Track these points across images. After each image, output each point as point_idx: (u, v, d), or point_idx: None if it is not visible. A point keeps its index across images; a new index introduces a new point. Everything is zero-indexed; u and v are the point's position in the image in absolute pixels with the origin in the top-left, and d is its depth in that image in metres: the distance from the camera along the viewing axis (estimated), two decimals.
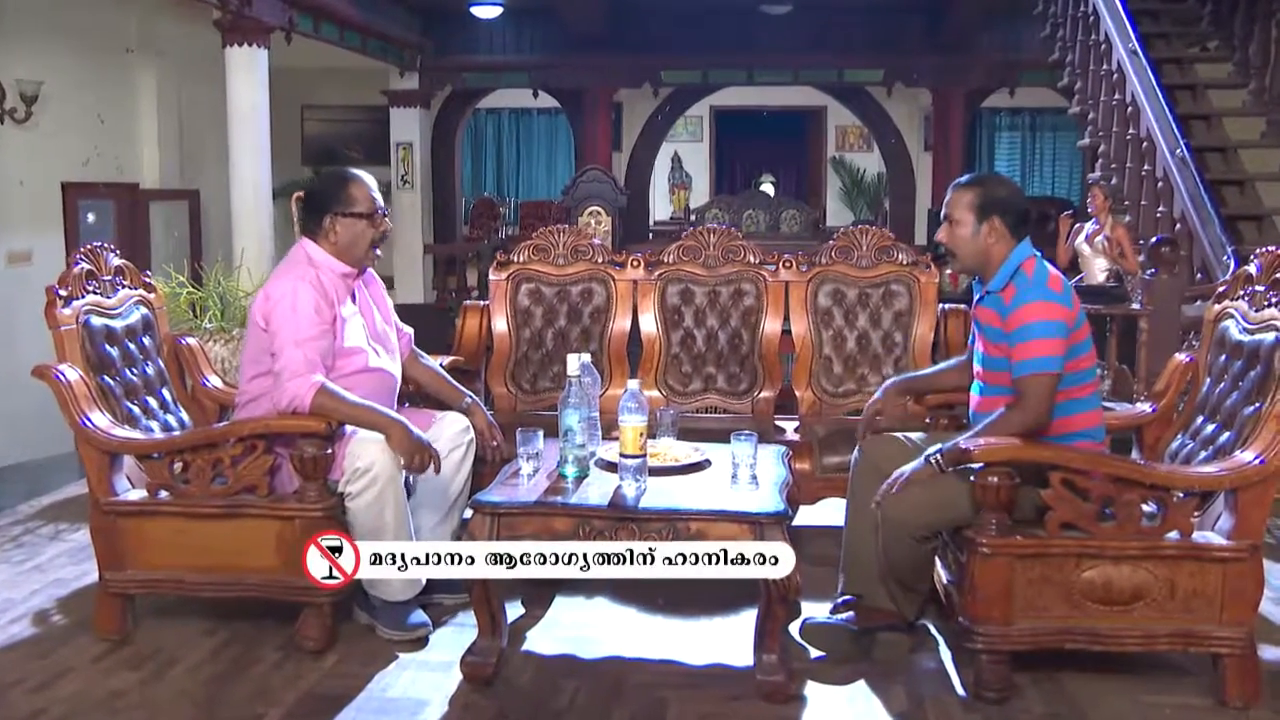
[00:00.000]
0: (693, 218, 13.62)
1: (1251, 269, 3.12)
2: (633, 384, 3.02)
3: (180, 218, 8.87)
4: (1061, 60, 7.57)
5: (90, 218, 8.24)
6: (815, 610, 3.25)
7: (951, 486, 2.90)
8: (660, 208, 15.75)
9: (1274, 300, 2.97)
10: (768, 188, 15.75)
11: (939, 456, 2.87)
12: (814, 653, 3.09)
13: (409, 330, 3.65)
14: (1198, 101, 7.22)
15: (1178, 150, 5.43)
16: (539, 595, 3.57)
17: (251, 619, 3.29)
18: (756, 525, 2.80)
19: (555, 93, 12.27)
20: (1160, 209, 5.50)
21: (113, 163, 8.30)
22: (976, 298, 3.12)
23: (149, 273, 3.82)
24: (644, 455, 2.96)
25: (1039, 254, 3.02)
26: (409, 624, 3.21)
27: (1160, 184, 5.51)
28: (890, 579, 3.05)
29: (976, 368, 3.13)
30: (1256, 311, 3.04)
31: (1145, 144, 5.76)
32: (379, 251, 3.36)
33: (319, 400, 3.07)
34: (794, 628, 3.27)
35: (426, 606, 3.32)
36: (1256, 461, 2.71)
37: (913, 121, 13.23)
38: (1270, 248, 3.05)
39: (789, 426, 4.31)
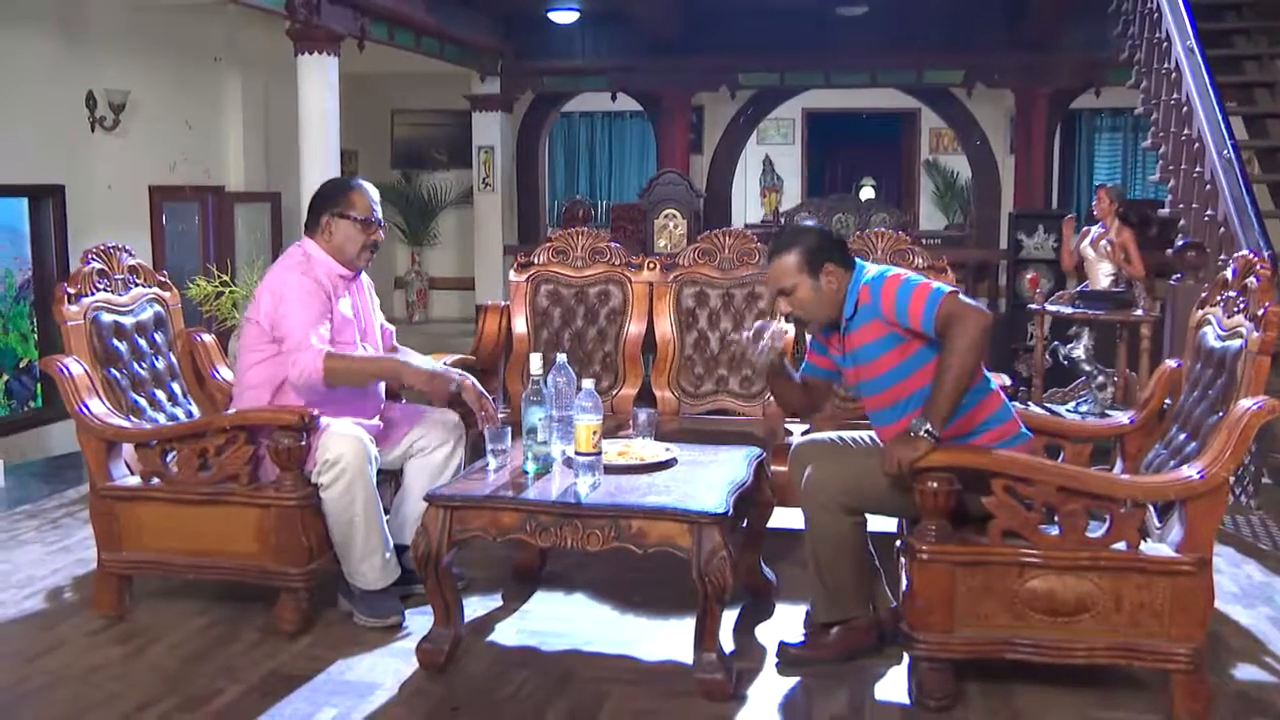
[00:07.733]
0: (782, 220, 13.52)
1: (1228, 274, 3.02)
2: (587, 384, 3.07)
3: (263, 219, 9.23)
4: (1131, 58, 7.33)
5: (197, 219, 8.66)
6: (792, 611, 3.29)
7: (864, 459, 2.97)
8: (752, 210, 15.72)
9: (1243, 306, 2.87)
10: (868, 191, 15.53)
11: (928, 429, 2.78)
12: (771, 651, 3.12)
13: (391, 327, 3.80)
14: (1277, 99, 6.92)
15: (1224, 151, 5.23)
16: (520, 589, 3.67)
17: (241, 601, 3.47)
18: (695, 525, 2.83)
19: (635, 96, 12.38)
20: (1209, 212, 5.31)
21: (199, 167, 8.69)
22: (843, 334, 3.04)
23: (233, 269, 4.02)
24: (598, 453, 3.02)
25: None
26: (382, 611, 3.33)
27: (1209, 186, 5.32)
28: (822, 571, 3.03)
29: (864, 403, 3.09)
30: (1229, 318, 2.95)
31: (1197, 145, 5.56)
32: (371, 255, 3.51)
33: (329, 365, 3.25)
34: (768, 625, 3.33)
35: (406, 597, 3.45)
36: (1197, 475, 2.62)
37: (999, 123, 12.91)
38: (1244, 252, 2.95)
39: (798, 430, 4.31)
